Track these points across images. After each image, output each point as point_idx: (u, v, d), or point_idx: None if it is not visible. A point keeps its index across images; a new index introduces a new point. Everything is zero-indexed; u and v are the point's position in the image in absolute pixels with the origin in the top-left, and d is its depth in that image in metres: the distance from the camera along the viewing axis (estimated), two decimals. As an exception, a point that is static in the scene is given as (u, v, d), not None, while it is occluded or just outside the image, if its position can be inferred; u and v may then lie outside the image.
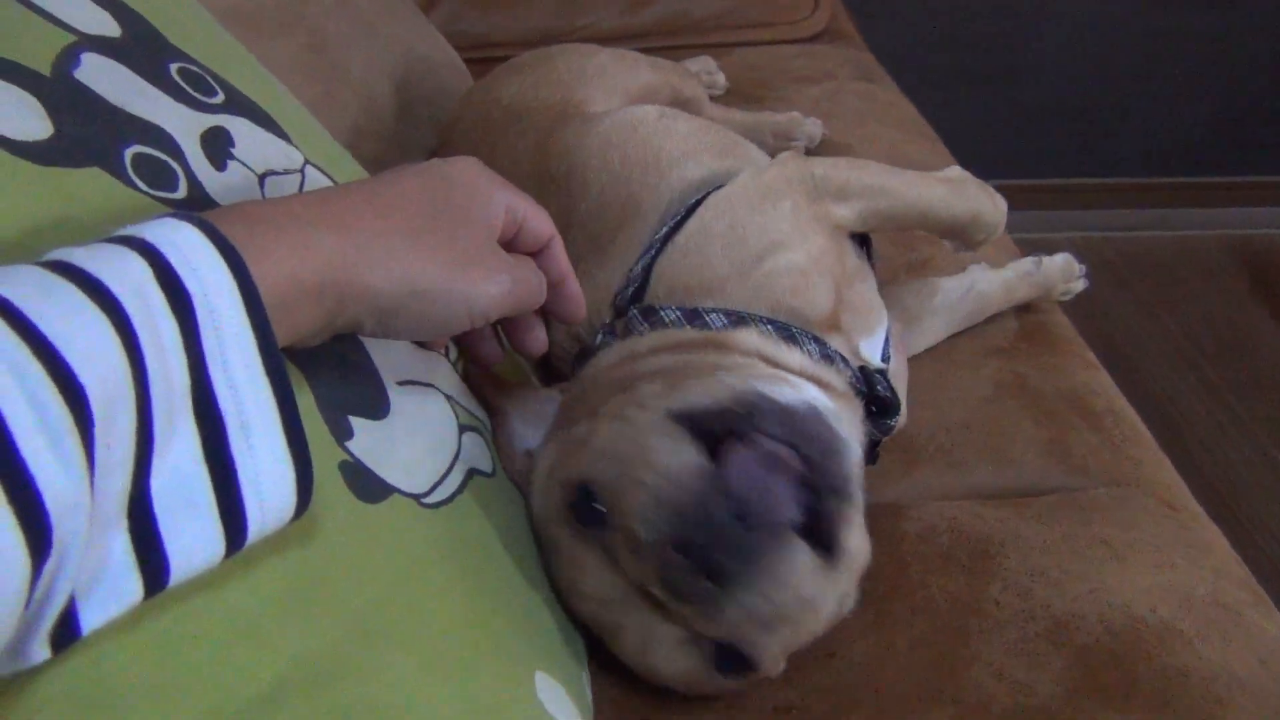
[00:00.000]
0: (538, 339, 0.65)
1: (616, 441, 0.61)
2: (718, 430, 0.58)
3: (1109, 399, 0.98)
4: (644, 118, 0.93)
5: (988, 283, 1.04)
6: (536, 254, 0.60)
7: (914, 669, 0.69)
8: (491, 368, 0.69)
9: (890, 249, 1.13)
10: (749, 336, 0.72)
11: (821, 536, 0.58)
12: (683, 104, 1.23)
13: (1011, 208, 0.92)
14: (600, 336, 0.77)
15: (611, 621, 0.63)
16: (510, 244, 0.57)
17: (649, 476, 0.56)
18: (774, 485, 0.56)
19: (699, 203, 0.81)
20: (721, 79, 1.51)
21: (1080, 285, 1.09)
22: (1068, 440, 0.92)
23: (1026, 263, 1.06)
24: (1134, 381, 1.01)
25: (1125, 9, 2.35)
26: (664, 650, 0.62)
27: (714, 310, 0.74)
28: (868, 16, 2.06)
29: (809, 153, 1.34)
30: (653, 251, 0.79)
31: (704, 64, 1.50)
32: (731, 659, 0.61)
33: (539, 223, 0.59)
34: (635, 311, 0.76)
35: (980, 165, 1.01)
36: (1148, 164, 2.56)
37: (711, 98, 1.44)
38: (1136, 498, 0.85)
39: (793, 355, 0.72)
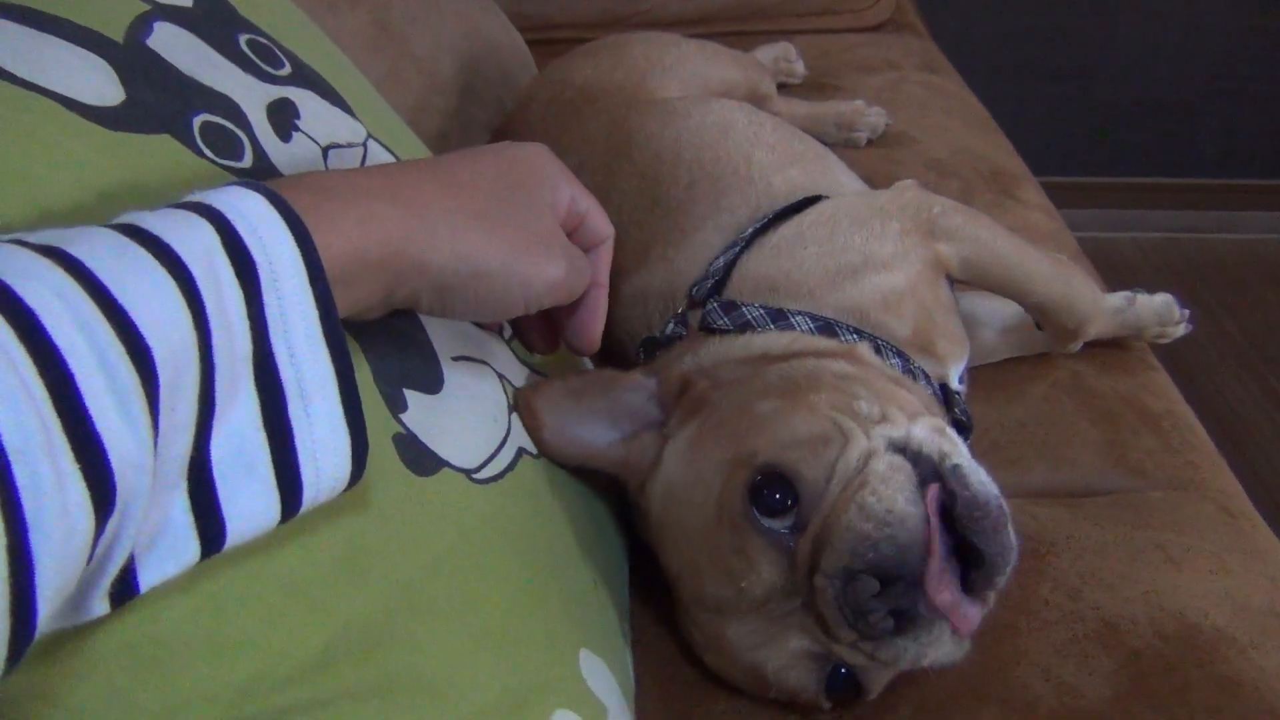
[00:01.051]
0: (594, 333, 0.62)
1: (825, 444, 0.60)
2: (924, 478, 0.59)
3: (1168, 401, 0.96)
4: (734, 121, 0.94)
5: None
6: (587, 251, 0.60)
7: (960, 667, 0.69)
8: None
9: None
10: (871, 356, 0.72)
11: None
12: (758, 100, 1.23)
13: (1075, 205, 0.92)
14: (671, 325, 0.77)
15: (736, 606, 0.61)
16: (569, 237, 0.58)
17: (878, 508, 0.56)
18: (968, 559, 0.57)
19: (791, 209, 0.81)
20: (800, 67, 1.49)
21: (1181, 330, 0.99)
22: (1125, 441, 0.90)
23: (1118, 298, 0.97)
24: (1194, 387, 0.99)
25: (1204, 7, 2.30)
26: (782, 656, 0.61)
27: (800, 313, 0.73)
28: (938, 8, 2.03)
29: (871, 143, 1.33)
30: (738, 248, 0.78)
31: (784, 50, 1.49)
32: (844, 683, 0.62)
33: (599, 221, 0.59)
34: (715, 305, 0.75)
35: (1047, 161, 0.99)
36: (1220, 166, 2.51)
37: (787, 86, 1.44)
38: (1193, 501, 0.83)
39: (916, 390, 0.71)
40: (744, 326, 0.74)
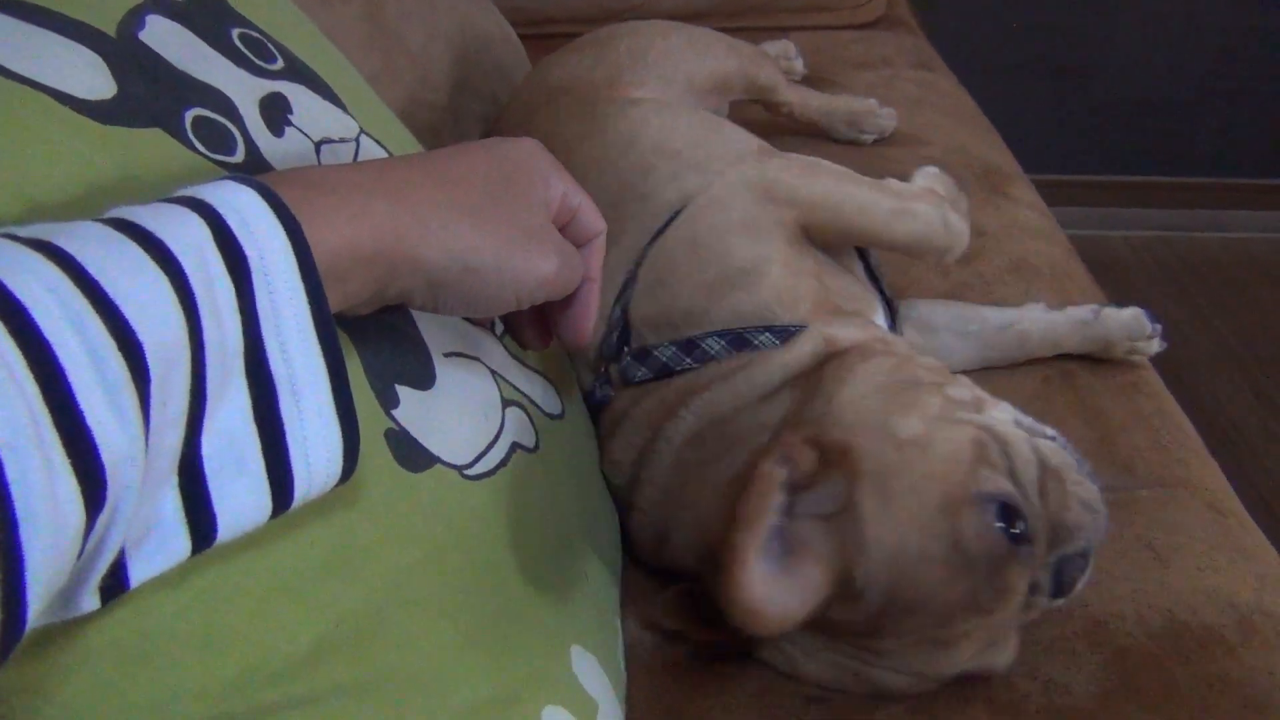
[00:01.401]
0: (586, 328, 0.61)
1: (986, 449, 0.62)
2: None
3: (1158, 399, 0.97)
4: (641, 133, 0.88)
5: (1032, 322, 0.96)
6: (580, 246, 0.59)
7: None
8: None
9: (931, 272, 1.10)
10: (884, 332, 0.75)
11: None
12: (758, 91, 1.21)
13: (1069, 203, 0.90)
14: (598, 388, 0.77)
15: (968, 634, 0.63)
16: (561, 232, 0.58)
17: (1090, 497, 0.65)
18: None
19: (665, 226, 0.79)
20: (799, 65, 1.47)
21: (1155, 347, 0.96)
22: (1114, 439, 0.90)
23: (1084, 311, 0.95)
24: (1184, 386, 0.99)
25: (1202, 6, 2.30)
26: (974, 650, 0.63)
27: (708, 335, 0.73)
28: (932, 6, 2.03)
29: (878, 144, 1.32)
30: (628, 289, 0.77)
31: (783, 48, 1.47)
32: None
33: (592, 215, 0.58)
34: (629, 358, 0.75)
35: (1040, 159, 0.98)
36: (1214, 165, 2.51)
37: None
38: (1182, 500, 0.84)
39: None
40: (662, 370, 0.73)
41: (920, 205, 0.84)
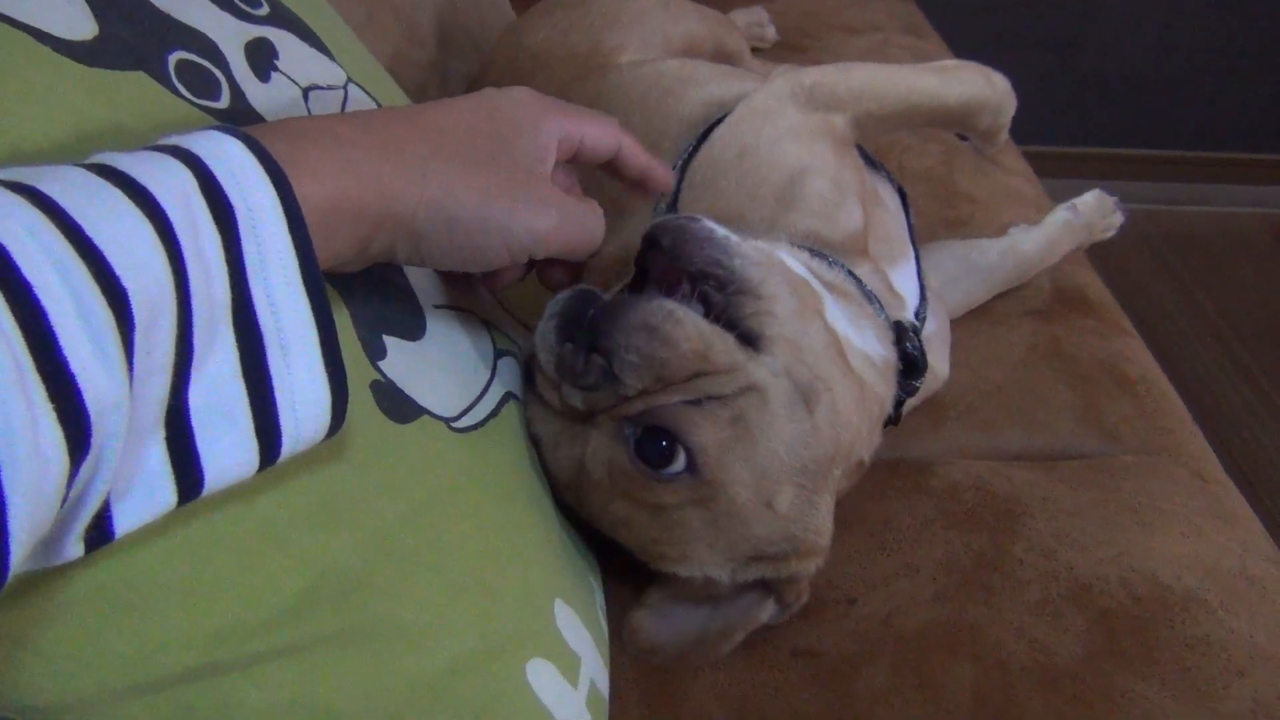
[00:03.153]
0: (655, 178, 0.62)
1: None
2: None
3: (1143, 367, 0.97)
4: (663, 71, 0.90)
5: (1029, 241, 1.01)
6: (610, 166, 0.59)
7: (935, 622, 0.69)
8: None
9: (929, 205, 1.11)
10: None
11: (725, 320, 0.59)
12: (725, 57, 1.20)
13: (1053, 175, 0.90)
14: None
15: (557, 461, 0.63)
16: (576, 161, 0.57)
17: (544, 315, 0.60)
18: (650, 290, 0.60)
19: (706, 134, 0.79)
20: (772, 32, 1.47)
21: (1119, 218, 1.06)
22: (1100, 406, 0.91)
23: (1060, 212, 1.03)
24: (1166, 359, 0.99)
25: (1191, -20, 2.29)
26: (589, 448, 0.60)
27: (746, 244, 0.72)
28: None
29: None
30: (671, 195, 0.77)
31: (756, 15, 1.47)
32: (651, 443, 0.58)
33: (600, 137, 0.57)
34: None
35: (1026, 130, 0.98)
36: (1198, 139, 2.51)
37: (759, 51, 1.41)
38: (1167, 466, 0.84)
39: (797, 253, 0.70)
40: None
41: (963, 71, 0.86)
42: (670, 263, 0.59)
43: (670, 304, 0.57)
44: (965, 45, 1.63)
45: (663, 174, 0.62)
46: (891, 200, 0.86)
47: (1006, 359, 0.96)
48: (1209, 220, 2.54)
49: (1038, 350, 0.96)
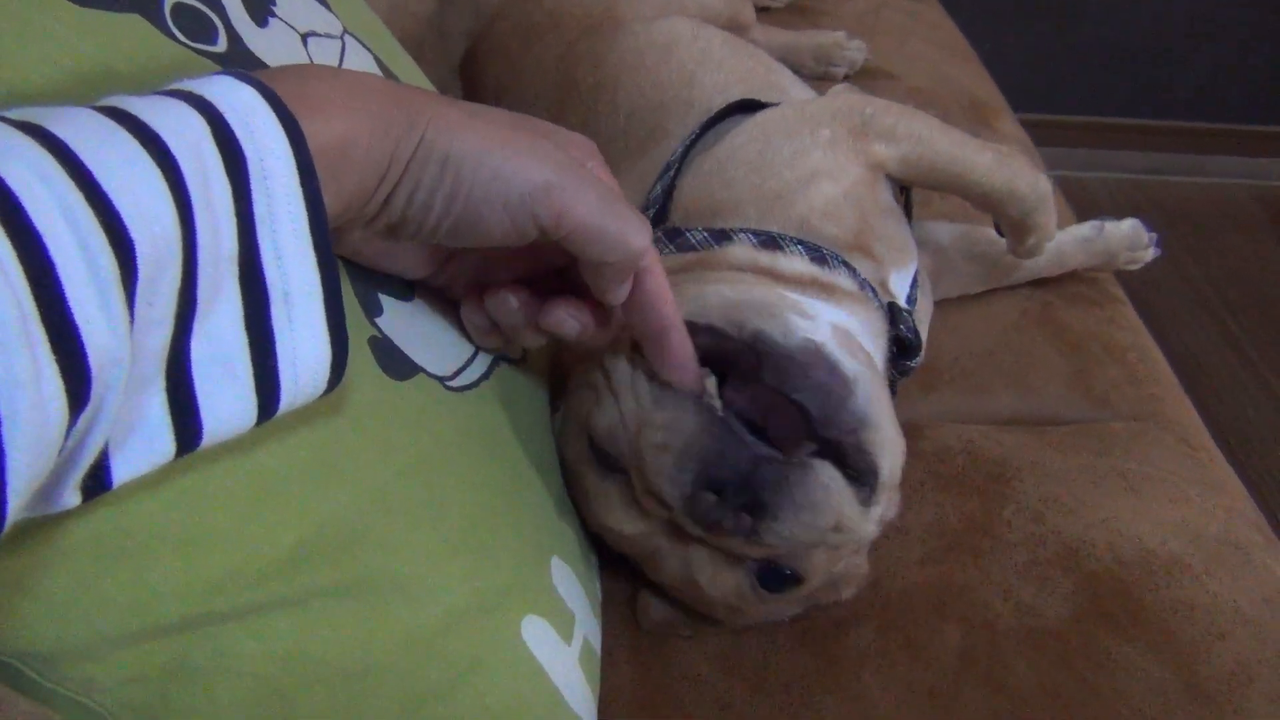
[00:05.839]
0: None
1: (612, 397, 0.59)
2: (717, 368, 0.57)
3: (1134, 334, 0.98)
4: (679, 38, 0.89)
5: None
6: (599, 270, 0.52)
7: (923, 585, 0.70)
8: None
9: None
10: (740, 250, 0.70)
11: (846, 464, 0.57)
12: (737, 29, 1.19)
13: (1047, 143, 0.89)
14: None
15: (648, 550, 0.62)
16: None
17: (657, 437, 0.55)
18: (785, 416, 0.55)
19: (715, 120, 0.79)
20: None
21: (1150, 254, 0.99)
22: (1090, 372, 0.91)
23: (1086, 228, 0.98)
24: (1156, 328, 0.99)
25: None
26: (707, 572, 0.61)
27: (743, 230, 0.72)
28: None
29: (849, 78, 1.31)
30: (673, 171, 0.77)
31: None
32: (774, 575, 0.61)
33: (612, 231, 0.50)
34: (660, 234, 0.74)
35: (1020, 97, 0.97)
36: (1191, 110, 2.51)
37: (768, 10, 1.40)
38: (1154, 433, 0.85)
39: (792, 261, 0.69)
40: (689, 252, 0.72)
41: (1015, 160, 0.84)
42: (779, 395, 0.55)
43: (826, 476, 0.56)
44: (961, 10, 1.63)
45: (684, 353, 0.56)
46: (904, 218, 0.86)
47: (998, 324, 0.96)
48: (1198, 191, 2.55)
49: (1029, 315, 0.97)
